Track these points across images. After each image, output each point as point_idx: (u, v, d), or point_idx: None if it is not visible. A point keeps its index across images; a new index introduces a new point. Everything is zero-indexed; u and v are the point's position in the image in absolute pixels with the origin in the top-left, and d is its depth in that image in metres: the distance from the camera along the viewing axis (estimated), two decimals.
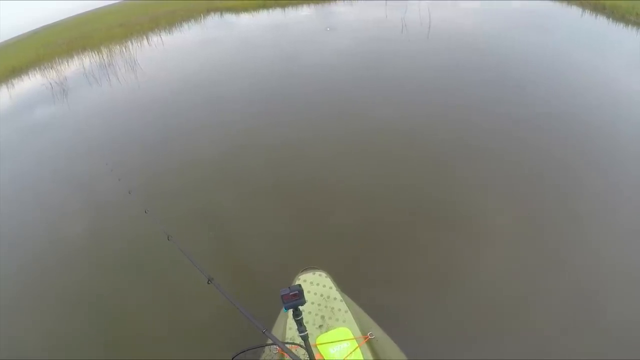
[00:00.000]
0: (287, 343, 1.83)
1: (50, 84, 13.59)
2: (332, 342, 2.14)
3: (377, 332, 2.31)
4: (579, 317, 3.18)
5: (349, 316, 2.35)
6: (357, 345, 2.13)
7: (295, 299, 1.65)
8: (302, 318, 1.74)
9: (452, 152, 5.61)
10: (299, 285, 1.77)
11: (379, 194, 4.96)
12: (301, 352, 1.82)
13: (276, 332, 2.36)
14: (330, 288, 2.53)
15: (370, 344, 2.20)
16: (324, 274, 2.62)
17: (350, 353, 2.10)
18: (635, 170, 4.79)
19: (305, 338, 1.78)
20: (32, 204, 6.57)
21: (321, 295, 2.49)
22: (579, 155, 5.17)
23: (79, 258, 4.93)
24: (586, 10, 13.59)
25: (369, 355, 2.14)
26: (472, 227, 4.22)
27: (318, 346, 2.12)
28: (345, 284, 2.72)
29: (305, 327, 1.77)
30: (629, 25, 10.96)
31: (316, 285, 2.55)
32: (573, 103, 6.60)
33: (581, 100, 6.65)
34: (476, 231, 4.17)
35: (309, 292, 2.50)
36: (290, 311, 1.72)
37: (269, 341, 1.59)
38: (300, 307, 1.70)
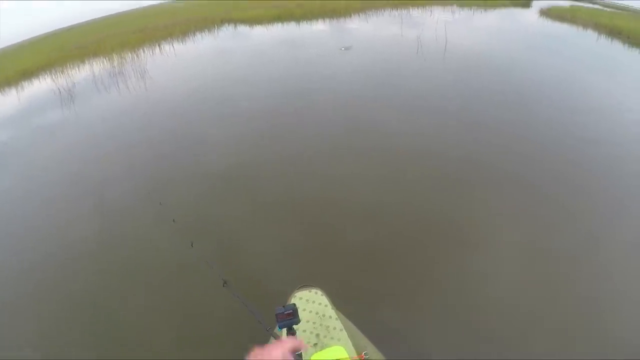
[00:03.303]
0: None
1: (59, 89, 13.52)
2: None
3: (372, 351, 2.31)
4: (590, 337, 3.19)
5: (344, 335, 2.36)
6: None
7: (289, 318, 1.69)
8: (296, 337, 1.74)
9: (465, 171, 5.61)
10: (294, 304, 1.75)
11: (388, 211, 4.91)
12: None
13: None
14: (326, 306, 2.53)
15: None
16: (319, 292, 2.63)
17: None
18: None
19: (299, 357, 1.77)
20: (38, 207, 6.40)
21: (316, 313, 2.50)
22: (593, 176, 5.28)
23: (87, 264, 4.80)
24: (602, 35, 13.54)
25: None
26: (483, 247, 4.18)
27: None
28: (347, 303, 2.76)
29: None
30: None
31: (312, 303, 2.56)
32: (586, 125, 6.72)
33: (596, 123, 6.79)
34: (486, 251, 4.12)
35: (304, 309, 2.51)
36: (284, 330, 1.74)
37: None
38: (295, 326, 1.73)
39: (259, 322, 1.76)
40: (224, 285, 2.01)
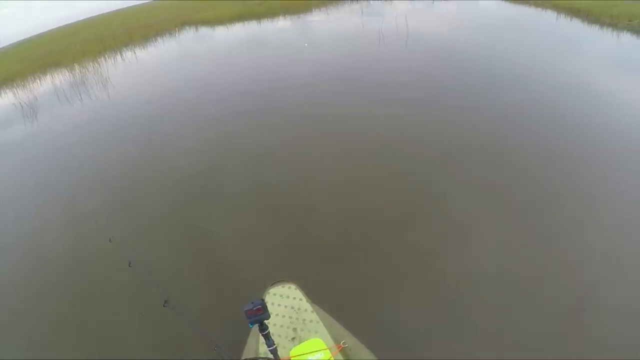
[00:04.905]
0: (260, 358, 1.85)
1: (22, 101, 13.22)
2: (305, 353, 2.11)
3: (350, 340, 2.32)
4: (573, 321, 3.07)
5: (321, 326, 2.38)
6: (330, 355, 2.12)
7: (259, 314, 1.65)
8: (268, 332, 1.75)
9: (435, 155, 5.56)
10: (262, 299, 1.72)
11: (358, 201, 4.83)
12: None
13: (249, 348, 2.35)
14: (300, 300, 2.55)
15: (344, 352, 2.22)
16: (293, 286, 2.63)
17: None
18: (609, 164, 4.83)
19: (274, 352, 1.79)
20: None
21: (292, 307, 2.51)
22: (563, 150, 5.21)
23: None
24: (561, 14, 13.70)
25: None
26: (456, 231, 4.10)
27: (292, 359, 2.11)
28: (324, 295, 2.74)
29: (274, 341, 1.78)
30: (604, 27, 11.10)
31: (286, 298, 2.57)
32: (549, 100, 6.75)
33: (557, 98, 6.81)
34: (458, 235, 4.05)
35: (279, 305, 2.52)
36: (257, 326, 1.70)
37: (243, 357, 1.71)
38: (266, 321, 1.70)
39: (208, 342, 1.69)
40: (164, 305, 1.94)
